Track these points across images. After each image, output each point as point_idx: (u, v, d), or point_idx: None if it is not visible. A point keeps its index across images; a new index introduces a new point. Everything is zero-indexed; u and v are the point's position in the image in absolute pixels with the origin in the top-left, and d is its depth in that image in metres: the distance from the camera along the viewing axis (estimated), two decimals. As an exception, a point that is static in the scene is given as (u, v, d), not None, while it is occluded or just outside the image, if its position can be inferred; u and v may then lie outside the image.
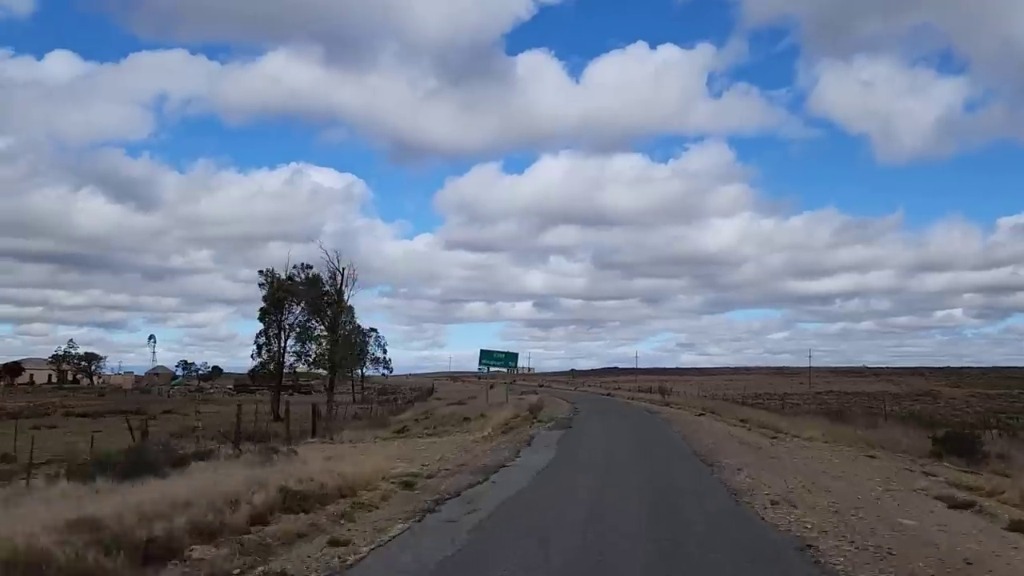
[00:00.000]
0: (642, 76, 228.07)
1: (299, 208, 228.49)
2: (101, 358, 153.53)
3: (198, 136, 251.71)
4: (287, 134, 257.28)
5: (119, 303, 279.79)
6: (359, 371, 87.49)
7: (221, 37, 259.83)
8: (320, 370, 61.75)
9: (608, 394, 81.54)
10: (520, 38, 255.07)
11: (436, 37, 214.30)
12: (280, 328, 58.83)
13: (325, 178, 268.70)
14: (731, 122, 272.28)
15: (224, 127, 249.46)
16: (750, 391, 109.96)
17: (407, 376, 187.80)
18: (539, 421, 33.83)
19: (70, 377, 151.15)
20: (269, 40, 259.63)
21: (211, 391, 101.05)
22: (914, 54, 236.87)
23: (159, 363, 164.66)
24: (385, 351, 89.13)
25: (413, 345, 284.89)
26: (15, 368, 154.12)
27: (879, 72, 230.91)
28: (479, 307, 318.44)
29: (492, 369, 48.85)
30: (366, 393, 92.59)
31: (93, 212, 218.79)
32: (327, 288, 52.20)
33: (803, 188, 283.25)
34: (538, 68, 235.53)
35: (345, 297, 51.40)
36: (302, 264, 56.51)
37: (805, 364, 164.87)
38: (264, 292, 57.51)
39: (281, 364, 58.77)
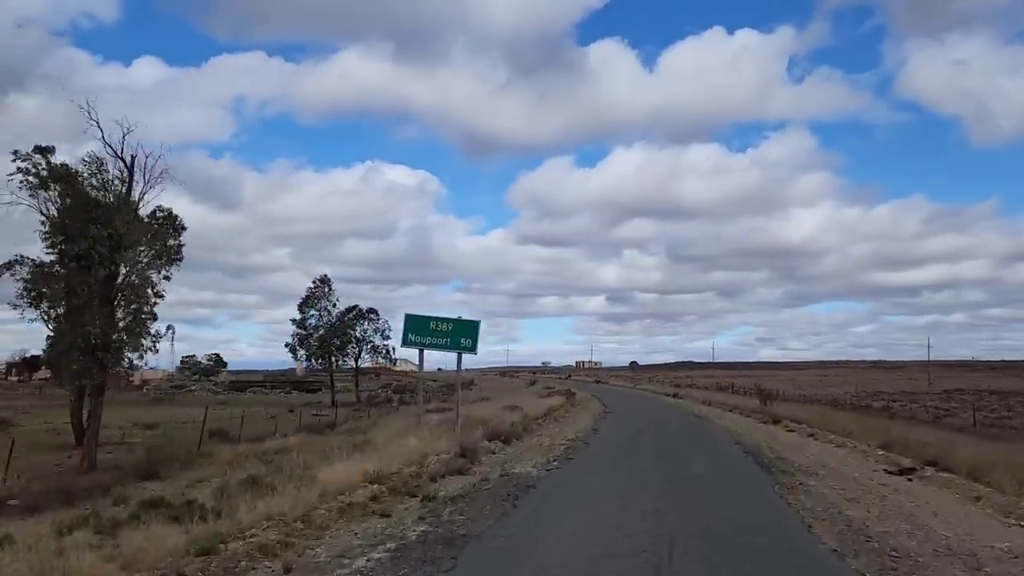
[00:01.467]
0: (719, 63, 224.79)
1: (374, 205, 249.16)
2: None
3: (276, 136, 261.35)
4: (361, 131, 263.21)
5: (205, 300, 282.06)
6: (349, 361, 69.90)
7: (295, 36, 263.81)
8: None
9: (674, 396, 61.15)
10: (592, 27, 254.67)
11: (506, 29, 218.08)
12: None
13: (399, 175, 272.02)
14: (813, 108, 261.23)
15: (300, 126, 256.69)
16: (861, 390, 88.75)
17: (461, 371, 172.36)
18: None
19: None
20: (342, 38, 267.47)
21: (192, 389, 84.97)
22: (1012, 30, 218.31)
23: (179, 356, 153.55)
24: (387, 338, 71.13)
25: (488, 340, 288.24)
26: (34, 363, 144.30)
27: (973, 50, 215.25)
28: (552, 302, 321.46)
29: (442, 352, 25.69)
30: (372, 392, 75.07)
31: (178, 211, 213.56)
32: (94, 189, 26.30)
33: (889, 175, 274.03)
34: (610, 58, 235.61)
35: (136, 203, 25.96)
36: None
37: (892, 357, 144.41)
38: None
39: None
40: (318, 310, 66.02)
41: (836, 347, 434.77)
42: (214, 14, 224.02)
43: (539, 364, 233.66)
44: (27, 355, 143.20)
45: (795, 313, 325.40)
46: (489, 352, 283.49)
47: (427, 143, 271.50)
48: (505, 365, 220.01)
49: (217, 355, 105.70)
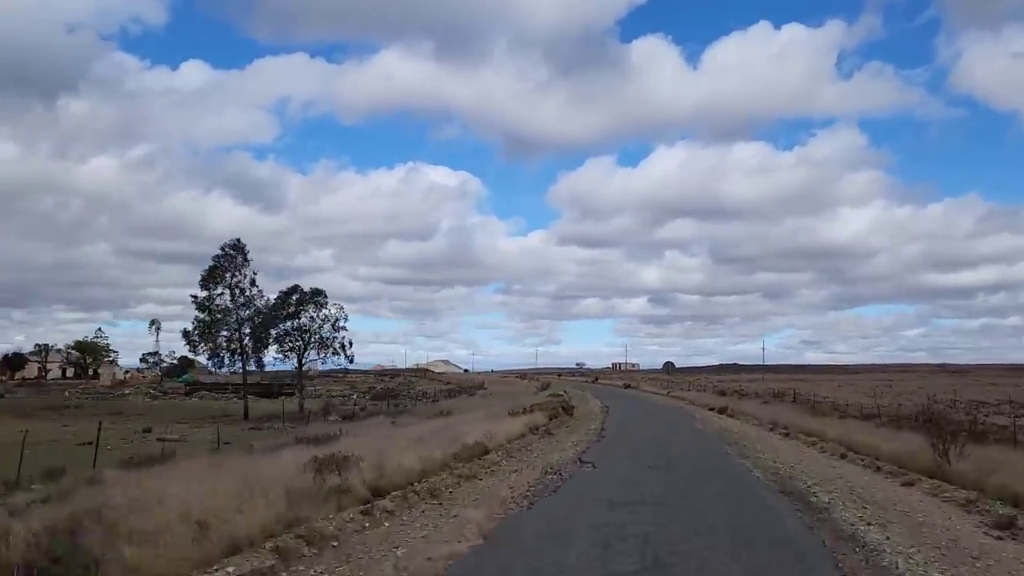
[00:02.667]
0: (765, 58, 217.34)
1: (415, 206, 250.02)
2: (103, 350, 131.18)
3: (318, 137, 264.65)
4: (402, 131, 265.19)
5: None
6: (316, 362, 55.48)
7: (336, 36, 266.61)
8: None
9: (721, 411, 44.45)
10: (635, 23, 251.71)
11: (548, 26, 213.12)
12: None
13: (440, 176, 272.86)
14: (863, 104, 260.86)
15: (342, 127, 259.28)
16: (941, 399, 71.85)
17: (485, 372, 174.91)
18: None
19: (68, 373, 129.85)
20: (382, 37, 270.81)
21: (126, 393, 71.25)
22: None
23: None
24: (339, 329, 55.94)
25: (528, 342, 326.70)
26: (18, 361, 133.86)
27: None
28: (593, 303, 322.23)
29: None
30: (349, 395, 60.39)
31: (223, 214, 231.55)
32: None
33: (943, 173, 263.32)
34: (654, 54, 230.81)
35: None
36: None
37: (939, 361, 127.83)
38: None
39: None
40: (229, 287, 51.24)
41: (885, 351, 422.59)
42: (255, 15, 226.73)
43: (574, 365, 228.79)
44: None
45: (842, 316, 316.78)
46: (527, 354, 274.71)
47: (468, 143, 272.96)
48: (534, 367, 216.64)
49: (184, 356, 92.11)
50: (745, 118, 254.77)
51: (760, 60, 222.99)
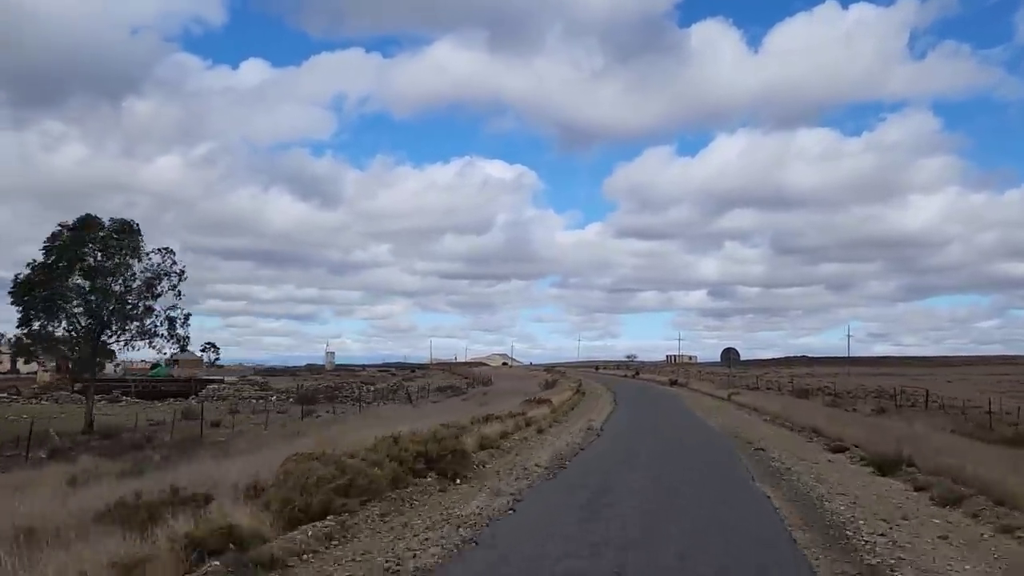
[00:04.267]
0: (832, 40, 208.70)
1: (471, 200, 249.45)
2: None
3: (374, 132, 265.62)
4: (456, 124, 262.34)
5: (309, 296, 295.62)
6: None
7: (387, 29, 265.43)
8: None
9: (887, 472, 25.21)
10: (693, 7, 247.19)
11: (603, 12, 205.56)
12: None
13: (496, 170, 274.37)
14: (936, 86, 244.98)
15: (397, 122, 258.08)
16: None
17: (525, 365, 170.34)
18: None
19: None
20: (435, 28, 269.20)
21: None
22: None
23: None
24: (170, 292, 37.90)
25: (585, 335, 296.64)
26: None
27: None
28: (651, 296, 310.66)
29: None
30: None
31: (282, 210, 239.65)
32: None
33: (1021, 157, 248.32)
34: (713, 39, 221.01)
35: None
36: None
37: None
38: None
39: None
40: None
41: (957, 343, 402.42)
42: (308, 10, 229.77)
43: (624, 358, 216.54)
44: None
45: (911, 307, 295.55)
46: (585, 347, 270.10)
47: (522, 134, 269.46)
48: (591, 360, 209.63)
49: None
50: (810, 103, 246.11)
51: (826, 42, 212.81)
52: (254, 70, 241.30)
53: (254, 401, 45.43)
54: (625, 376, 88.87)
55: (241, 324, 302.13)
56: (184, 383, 54.17)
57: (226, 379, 67.78)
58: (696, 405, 37.26)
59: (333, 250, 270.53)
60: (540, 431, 21.10)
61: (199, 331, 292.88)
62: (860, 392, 60.51)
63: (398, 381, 73.72)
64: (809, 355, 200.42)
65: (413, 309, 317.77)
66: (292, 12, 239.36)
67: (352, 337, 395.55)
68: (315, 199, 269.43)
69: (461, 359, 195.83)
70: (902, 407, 38.53)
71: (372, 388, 53.00)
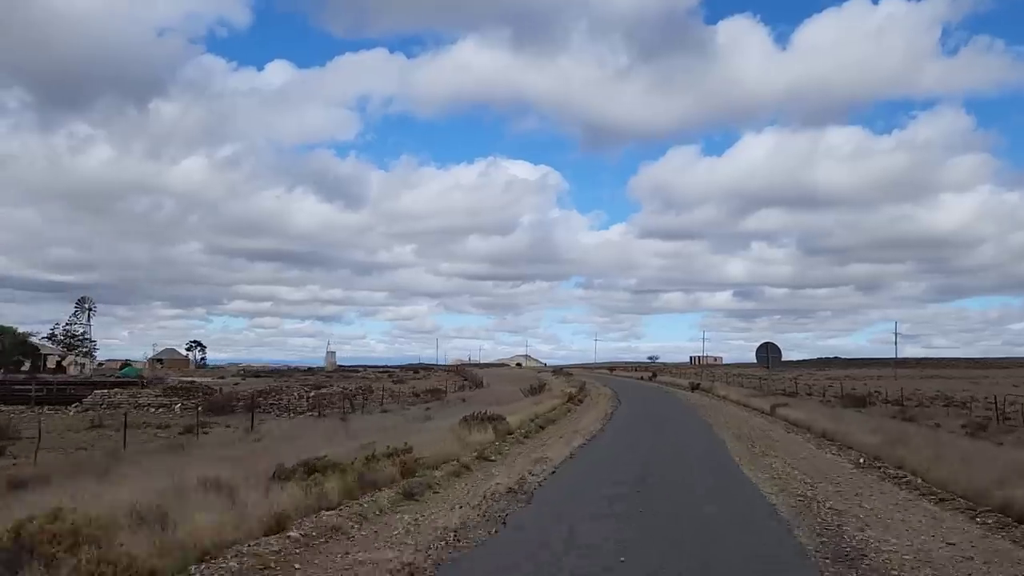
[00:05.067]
0: (861, 35, 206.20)
1: (495, 201, 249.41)
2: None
3: (398, 133, 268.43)
4: (480, 124, 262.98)
5: (335, 297, 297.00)
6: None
7: (410, 28, 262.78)
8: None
9: None
10: (720, 3, 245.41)
11: (628, 9, 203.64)
12: None
13: (520, 170, 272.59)
14: (969, 82, 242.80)
15: (421, 122, 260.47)
16: None
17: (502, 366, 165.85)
18: None
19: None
20: (458, 27, 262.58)
21: None
22: None
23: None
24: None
25: (610, 336, 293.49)
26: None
27: None
28: (676, 297, 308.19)
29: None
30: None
31: (306, 211, 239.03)
32: None
33: None
34: (740, 36, 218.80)
35: None
36: None
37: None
38: None
39: None
40: None
41: (990, 345, 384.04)
42: (331, 10, 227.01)
43: (646, 359, 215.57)
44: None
45: (942, 308, 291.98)
46: (610, 348, 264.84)
47: (546, 134, 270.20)
48: (615, 360, 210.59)
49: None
50: (839, 101, 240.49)
51: (856, 38, 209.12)
52: (279, 71, 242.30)
53: (154, 411, 35.63)
54: (640, 379, 78.18)
55: (267, 325, 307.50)
56: (59, 387, 44.46)
57: (171, 379, 58.08)
58: (730, 424, 26.17)
59: (358, 251, 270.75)
60: (408, 497, 10.72)
61: (225, 332, 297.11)
62: (921, 398, 49.39)
63: (380, 384, 63.74)
64: (841, 356, 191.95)
65: (438, 310, 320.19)
66: (316, 11, 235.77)
67: (377, 338, 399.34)
68: (339, 200, 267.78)
69: (478, 360, 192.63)
70: (1012, 422, 27.76)
71: (312, 394, 42.72)
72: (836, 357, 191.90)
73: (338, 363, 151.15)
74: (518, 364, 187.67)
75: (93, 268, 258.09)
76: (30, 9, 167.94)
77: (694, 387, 57.08)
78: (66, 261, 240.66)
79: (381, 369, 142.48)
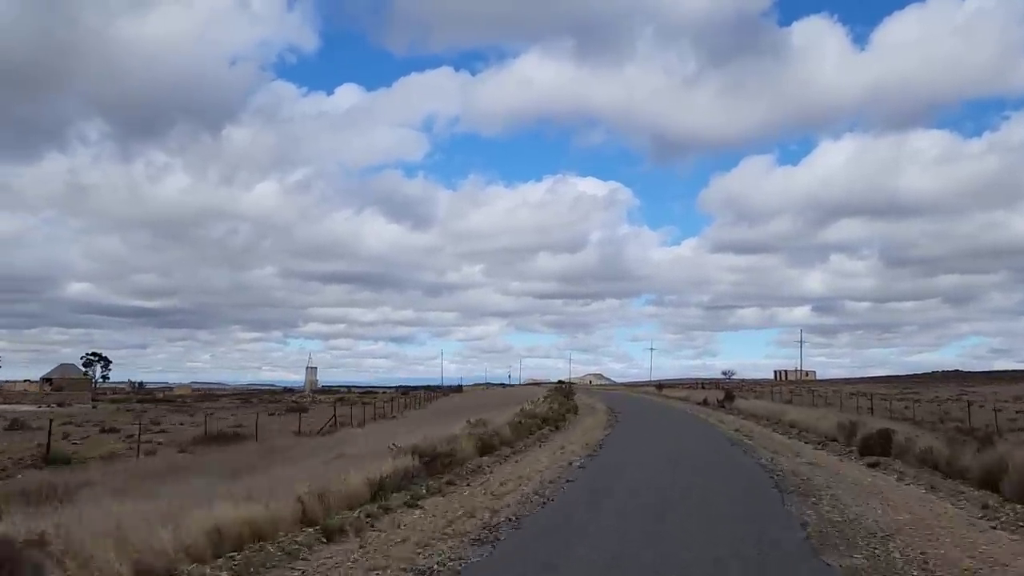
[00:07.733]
0: (948, 32, 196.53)
1: (564, 218, 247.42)
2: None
3: (465, 152, 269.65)
4: (546, 140, 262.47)
5: (406, 318, 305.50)
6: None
7: (472, 42, 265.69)
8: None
9: None
10: (794, 4, 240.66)
11: (695, 13, 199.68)
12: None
13: (588, 186, 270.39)
14: None
15: (486, 140, 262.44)
16: None
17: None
18: None
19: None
20: (520, 39, 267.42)
21: None
22: None
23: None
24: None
25: (683, 354, 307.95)
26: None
27: None
28: (751, 313, 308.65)
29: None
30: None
31: (376, 233, 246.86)
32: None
33: None
34: (816, 37, 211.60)
35: None
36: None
37: None
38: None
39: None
40: None
41: None
42: (391, 28, 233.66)
43: (720, 375, 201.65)
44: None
45: None
46: (683, 366, 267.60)
47: (613, 147, 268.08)
48: (691, 377, 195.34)
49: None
50: (923, 103, 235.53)
51: (941, 35, 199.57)
52: (347, 94, 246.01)
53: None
54: (700, 403, 61.13)
55: (342, 347, 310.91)
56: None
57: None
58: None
59: (427, 272, 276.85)
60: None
61: (300, 354, 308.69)
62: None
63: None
64: (946, 370, 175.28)
65: (508, 329, 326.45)
66: (376, 30, 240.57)
67: (449, 358, 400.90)
68: (408, 220, 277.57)
69: (546, 379, 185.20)
70: None
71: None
72: (940, 371, 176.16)
73: (402, 383, 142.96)
74: (560, 381, 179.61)
75: (174, 294, 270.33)
76: (107, 42, 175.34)
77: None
78: (150, 287, 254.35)
79: (364, 390, 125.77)
